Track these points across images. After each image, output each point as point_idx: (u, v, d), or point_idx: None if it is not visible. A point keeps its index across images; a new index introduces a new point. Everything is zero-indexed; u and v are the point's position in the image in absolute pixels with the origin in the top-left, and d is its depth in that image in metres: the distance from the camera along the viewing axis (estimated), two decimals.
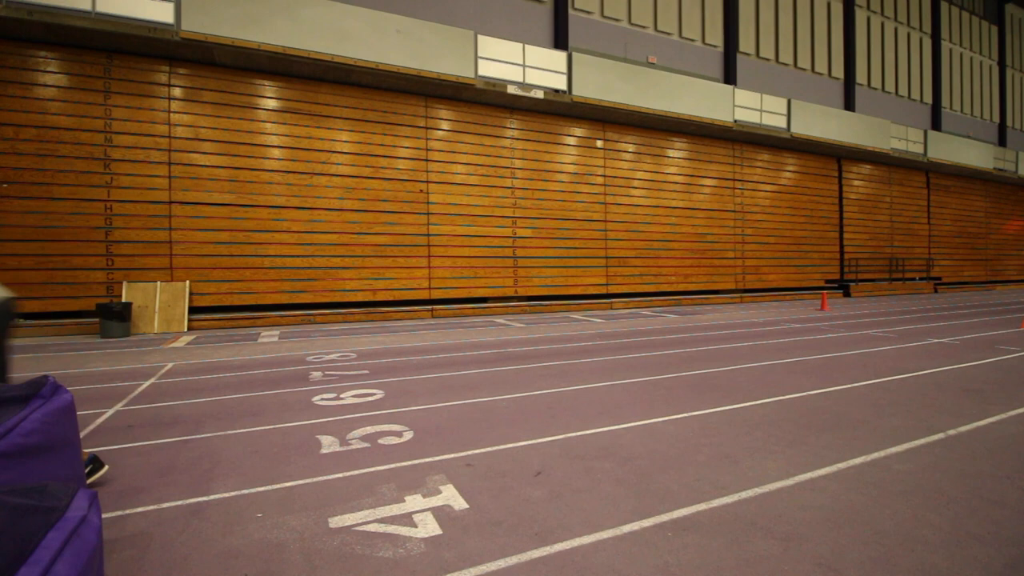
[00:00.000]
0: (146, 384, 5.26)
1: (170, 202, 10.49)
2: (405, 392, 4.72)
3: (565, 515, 2.32)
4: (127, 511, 2.41)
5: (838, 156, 20.09)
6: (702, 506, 2.39)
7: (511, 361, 6.28)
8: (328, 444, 3.30)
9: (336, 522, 2.28)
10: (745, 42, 18.43)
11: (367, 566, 1.93)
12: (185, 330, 10.06)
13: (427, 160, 12.82)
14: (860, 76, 21.69)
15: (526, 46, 13.22)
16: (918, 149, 21.41)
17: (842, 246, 20.43)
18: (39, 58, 9.63)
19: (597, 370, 5.69)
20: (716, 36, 17.82)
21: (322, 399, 4.51)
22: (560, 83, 13.57)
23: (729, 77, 17.78)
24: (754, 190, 18.10)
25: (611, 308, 14.53)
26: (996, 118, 27.70)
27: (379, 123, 12.34)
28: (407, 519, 2.30)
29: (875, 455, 3.01)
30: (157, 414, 4.13)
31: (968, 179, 24.69)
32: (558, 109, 14.11)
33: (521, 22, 14.47)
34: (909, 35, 23.55)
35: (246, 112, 11.12)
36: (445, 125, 13.12)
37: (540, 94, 13.26)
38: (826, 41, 20.63)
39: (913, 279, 22.38)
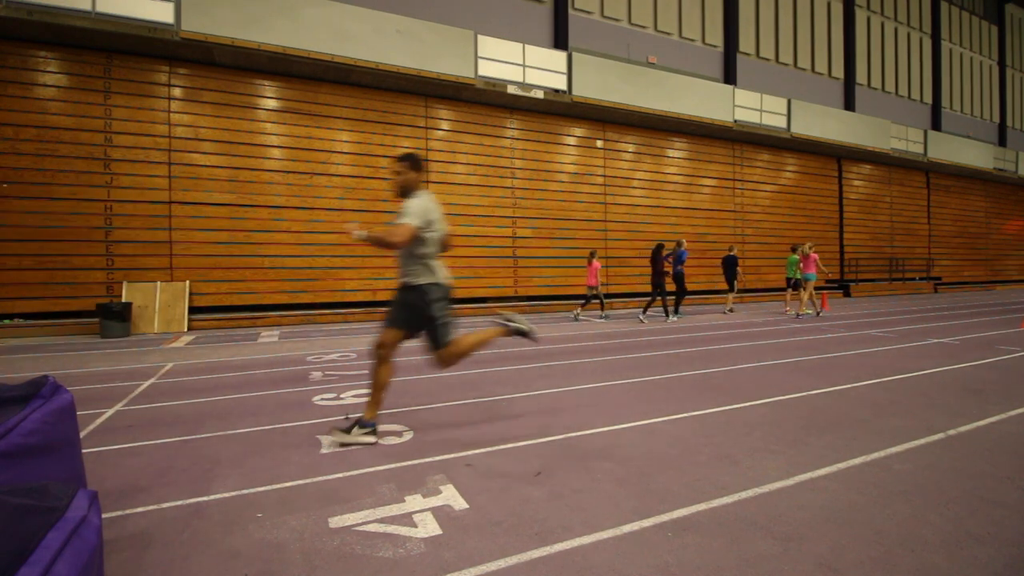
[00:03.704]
0: (146, 384, 5.26)
1: (170, 202, 10.49)
2: (405, 392, 4.72)
3: (565, 515, 2.32)
4: (127, 511, 2.41)
5: (838, 156, 20.08)
6: (702, 506, 2.39)
7: (511, 361, 6.28)
8: (328, 444, 3.30)
9: (336, 522, 2.28)
10: (745, 42, 18.43)
11: (367, 566, 1.93)
12: (185, 330, 10.06)
13: (427, 160, 12.82)
14: (860, 76, 21.69)
15: (526, 46, 13.22)
16: (918, 149, 21.41)
17: (842, 246, 20.42)
18: (39, 58, 9.63)
19: (597, 370, 5.69)
20: (716, 36, 17.81)
21: (322, 399, 4.50)
22: (560, 83, 13.57)
23: (729, 77, 17.77)
24: (754, 190, 18.10)
25: (612, 308, 14.52)
26: (996, 118, 27.69)
27: (379, 123, 12.34)
28: (407, 519, 2.30)
29: (875, 455, 3.01)
30: (157, 414, 4.13)
31: (968, 179, 24.68)
32: (558, 109, 14.11)
33: (521, 22, 14.47)
34: (909, 35, 23.55)
35: (246, 112, 11.12)
36: (445, 125, 13.12)
37: (540, 94, 13.25)
38: (826, 41, 20.63)
39: (913, 279, 22.38)
